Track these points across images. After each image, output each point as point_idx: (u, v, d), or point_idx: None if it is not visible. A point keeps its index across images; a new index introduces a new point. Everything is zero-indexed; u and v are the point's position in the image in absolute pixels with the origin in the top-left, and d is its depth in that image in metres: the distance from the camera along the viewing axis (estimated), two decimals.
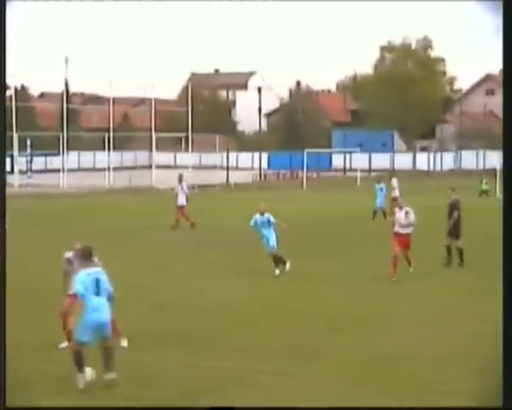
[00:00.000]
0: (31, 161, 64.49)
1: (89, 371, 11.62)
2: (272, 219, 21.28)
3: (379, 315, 16.29)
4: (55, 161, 63.94)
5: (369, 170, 73.08)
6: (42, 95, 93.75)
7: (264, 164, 79.20)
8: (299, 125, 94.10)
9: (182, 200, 32.21)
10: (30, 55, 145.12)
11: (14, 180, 55.72)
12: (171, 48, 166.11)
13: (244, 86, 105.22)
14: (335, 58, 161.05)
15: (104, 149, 66.32)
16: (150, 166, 64.10)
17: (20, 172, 59.76)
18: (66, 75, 76.70)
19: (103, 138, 66.74)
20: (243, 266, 22.18)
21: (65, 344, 13.37)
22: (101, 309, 11.64)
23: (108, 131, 64.07)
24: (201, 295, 18.38)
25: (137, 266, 22.62)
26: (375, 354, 13.26)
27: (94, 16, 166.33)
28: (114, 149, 66.45)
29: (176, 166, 67.52)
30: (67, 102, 69.62)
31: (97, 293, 11.65)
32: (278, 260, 21.08)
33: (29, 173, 61.32)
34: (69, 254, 13.86)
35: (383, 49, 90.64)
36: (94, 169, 64.35)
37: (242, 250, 24.97)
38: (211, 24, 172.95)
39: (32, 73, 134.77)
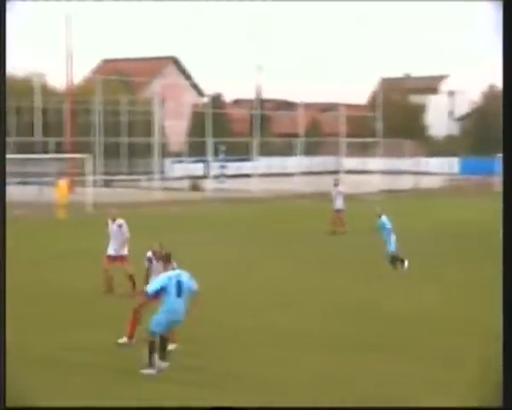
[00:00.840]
0: (223, 167, 66.73)
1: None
2: (386, 223, 22.33)
3: None
4: (246, 166, 65.79)
5: None
6: (236, 101, 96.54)
7: (455, 169, 77.80)
8: (493, 128, 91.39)
9: (338, 204, 33.44)
10: (223, 63, 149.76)
11: (208, 185, 57.87)
12: (361, 53, 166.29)
13: (435, 90, 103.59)
14: None
15: (294, 154, 67.50)
16: (339, 172, 64.59)
17: (214, 177, 62.00)
18: (259, 81, 78.78)
19: (293, 143, 68.00)
20: (421, 272, 22.10)
21: (123, 340, 14.16)
22: (179, 310, 12.77)
23: (298, 136, 65.15)
24: (381, 301, 18.48)
25: (313, 268, 23.01)
26: None
27: (284, 23, 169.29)
28: (303, 154, 67.50)
29: (364, 172, 67.62)
30: (260, 108, 71.44)
31: (179, 294, 12.75)
32: (395, 261, 22.21)
33: (222, 178, 63.44)
34: (149, 254, 14.81)
35: None
36: (283, 174, 65.61)
37: (423, 257, 24.86)
38: (401, 29, 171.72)
39: (226, 79, 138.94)
